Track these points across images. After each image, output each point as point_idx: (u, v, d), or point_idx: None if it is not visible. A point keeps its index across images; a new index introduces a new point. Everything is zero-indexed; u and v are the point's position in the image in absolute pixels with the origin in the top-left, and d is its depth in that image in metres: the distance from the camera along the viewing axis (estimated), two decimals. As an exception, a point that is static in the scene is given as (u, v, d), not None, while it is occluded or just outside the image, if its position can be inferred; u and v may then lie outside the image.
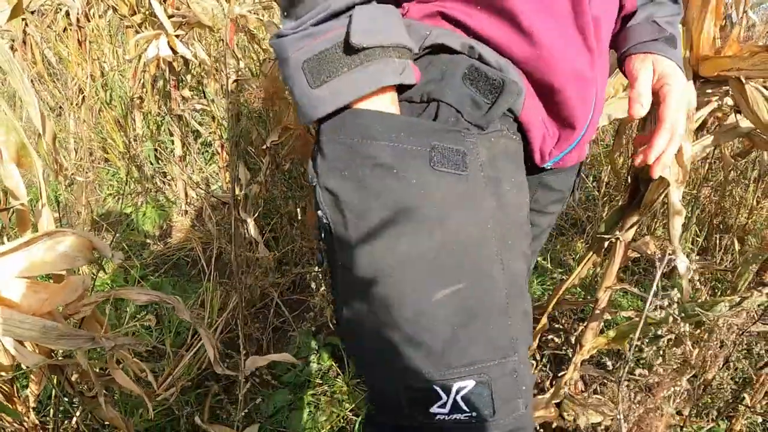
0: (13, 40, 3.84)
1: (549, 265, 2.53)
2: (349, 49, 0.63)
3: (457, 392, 0.65)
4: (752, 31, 3.01)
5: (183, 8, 2.60)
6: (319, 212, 0.68)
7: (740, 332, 1.34)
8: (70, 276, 0.95)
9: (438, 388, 0.65)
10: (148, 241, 2.74)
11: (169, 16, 2.51)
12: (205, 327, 1.10)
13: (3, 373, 1.05)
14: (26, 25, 3.88)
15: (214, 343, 1.11)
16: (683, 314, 1.52)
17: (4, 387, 1.09)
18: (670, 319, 1.21)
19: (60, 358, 1.05)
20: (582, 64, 0.77)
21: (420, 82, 0.71)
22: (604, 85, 0.86)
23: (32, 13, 4.03)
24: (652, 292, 1.22)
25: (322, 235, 0.70)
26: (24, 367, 1.11)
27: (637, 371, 1.48)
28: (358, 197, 0.65)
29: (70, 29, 3.55)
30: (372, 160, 0.65)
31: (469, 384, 0.65)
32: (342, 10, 0.64)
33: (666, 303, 0.99)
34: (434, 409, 0.66)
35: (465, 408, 0.65)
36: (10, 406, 1.09)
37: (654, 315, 1.48)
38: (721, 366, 1.46)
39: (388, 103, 0.67)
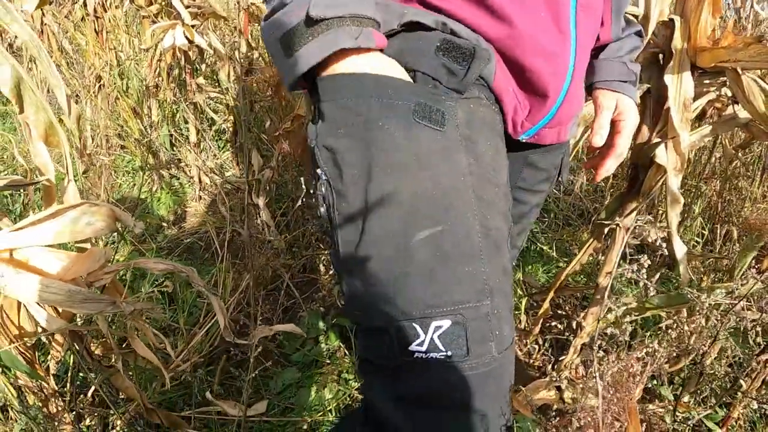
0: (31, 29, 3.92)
1: (555, 254, 2.58)
2: (310, 21, 0.71)
3: (435, 331, 0.70)
4: (762, 27, 3.02)
5: (199, -1, 2.66)
6: (318, 170, 0.75)
7: (727, 312, 1.39)
8: (93, 247, 1.01)
9: (417, 326, 0.70)
10: (163, 224, 2.81)
11: (186, 7, 2.57)
12: (218, 297, 1.16)
13: (26, 339, 1.12)
14: (43, 14, 3.96)
15: (224, 312, 1.17)
16: (681, 300, 1.57)
17: (27, 353, 1.16)
18: (642, 285, 1.27)
19: (80, 324, 1.12)
20: (553, 45, 0.84)
21: (397, 55, 0.78)
22: (584, 60, 0.93)
23: (50, 3, 4.11)
24: (617, 255, 1.26)
25: (323, 190, 0.77)
26: (45, 336, 1.17)
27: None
28: (352, 150, 0.72)
29: (87, 19, 3.62)
30: (363, 116, 0.72)
31: (445, 323, 0.70)
32: None
33: (636, 268, 1.04)
34: (413, 347, 0.71)
35: (441, 347, 0.70)
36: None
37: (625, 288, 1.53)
38: (708, 345, 1.51)
39: (376, 61, 0.74)
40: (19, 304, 1.02)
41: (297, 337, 2.04)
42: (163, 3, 2.86)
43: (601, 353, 0.99)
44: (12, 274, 0.92)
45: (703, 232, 2.54)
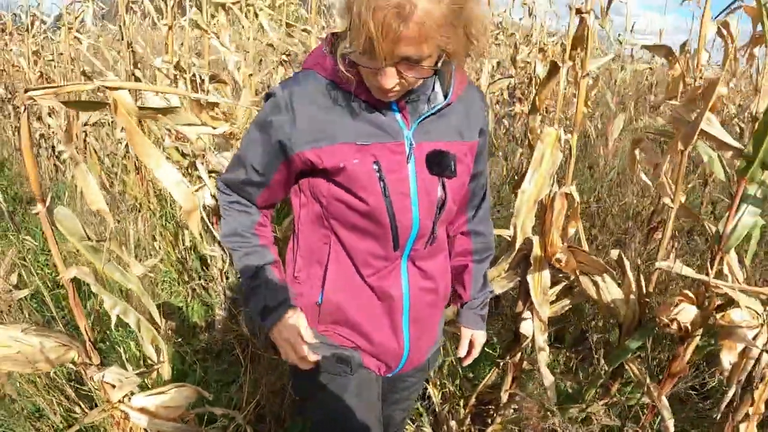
0: (77, 147, 4.79)
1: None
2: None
3: None
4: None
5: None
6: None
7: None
8: (183, 400, 1.86)
9: None
10: (196, 330, 3.65)
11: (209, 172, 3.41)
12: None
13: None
14: (86, 135, 4.84)
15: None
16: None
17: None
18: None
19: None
20: (393, 345, 1.57)
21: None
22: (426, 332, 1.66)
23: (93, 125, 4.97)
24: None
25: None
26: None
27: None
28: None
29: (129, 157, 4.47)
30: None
31: None
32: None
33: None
34: None
35: None
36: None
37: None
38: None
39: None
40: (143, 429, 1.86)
41: None
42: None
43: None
44: (142, 417, 1.76)
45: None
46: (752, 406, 2.05)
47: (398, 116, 1.38)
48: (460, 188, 1.50)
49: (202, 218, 3.92)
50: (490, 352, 3.12)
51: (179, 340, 3.39)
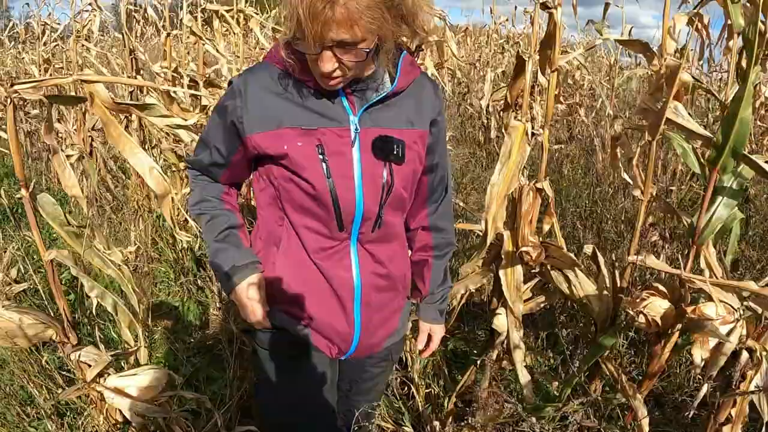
0: (82, 154, 4.92)
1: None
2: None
3: None
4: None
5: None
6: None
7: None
8: (158, 380, 1.93)
9: None
10: (191, 329, 3.72)
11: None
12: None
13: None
14: (92, 140, 4.98)
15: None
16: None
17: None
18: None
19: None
20: (343, 326, 1.60)
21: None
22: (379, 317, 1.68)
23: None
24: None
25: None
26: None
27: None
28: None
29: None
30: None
31: None
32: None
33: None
34: None
35: None
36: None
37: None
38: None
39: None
40: (118, 410, 1.93)
41: None
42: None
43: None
44: (117, 396, 1.83)
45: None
46: (734, 408, 2.05)
47: (345, 102, 1.45)
48: (410, 175, 1.55)
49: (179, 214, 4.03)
50: (474, 351, 3.16)
51: (173, 337, 3.47)
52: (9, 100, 1.59)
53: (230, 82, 1.50)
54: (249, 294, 1.53)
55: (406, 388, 2.81)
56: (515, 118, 2.18)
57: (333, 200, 1.45)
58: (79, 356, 1.78)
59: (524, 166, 2.22)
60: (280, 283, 1.57)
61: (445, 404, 2.75)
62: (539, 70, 2.19)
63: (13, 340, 1.68)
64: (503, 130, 2.23)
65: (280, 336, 1.63)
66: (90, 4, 4.50)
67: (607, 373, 2.41)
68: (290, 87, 1.43)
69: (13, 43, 6.52)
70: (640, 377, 2.41)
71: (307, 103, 1.43)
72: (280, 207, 1.53)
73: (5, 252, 2.92)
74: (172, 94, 2.44)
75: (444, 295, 1.85)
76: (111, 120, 1.64)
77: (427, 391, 2.84)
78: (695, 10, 2.06)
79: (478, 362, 2.65)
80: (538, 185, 2.24)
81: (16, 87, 1.57)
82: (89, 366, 1.79)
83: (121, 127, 1.64)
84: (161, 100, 2.92)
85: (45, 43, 5.29)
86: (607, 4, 4.01)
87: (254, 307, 1.53)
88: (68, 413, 2.13)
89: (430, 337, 1.87)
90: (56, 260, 1.74)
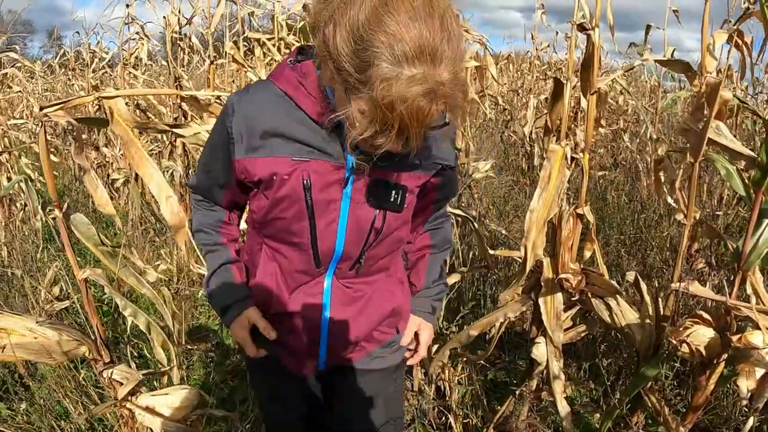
0: (128, 178, 5.01)
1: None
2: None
3: None
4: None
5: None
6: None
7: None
8: (189, 401, 1.92)
9: None
10: (229, 352, 3.73)
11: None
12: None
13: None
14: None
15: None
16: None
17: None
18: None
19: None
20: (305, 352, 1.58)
21: None
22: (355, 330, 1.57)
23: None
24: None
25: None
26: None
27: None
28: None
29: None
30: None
31: None
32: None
33: None
34: None
35: None
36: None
37: None
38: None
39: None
40: (149, 429, 1.92)
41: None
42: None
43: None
44: (148, 415, 1.83)
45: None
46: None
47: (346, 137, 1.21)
48: (403, 218, 1.48)
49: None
50: (514, 381, 3.09)
51: (210, 359, 3.48)
52: (40, 123, 1.63)
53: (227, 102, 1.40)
54: (239, 334, 1.55)
55: (444, 418, 2.76)
56: (555, 142, 2.14)
57: (312, 241, 1.40)
58: (111, 374, 1.79)
59: (567, 192, 2.18)
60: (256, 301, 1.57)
61: (482, 437, 2.69)
62: (581, 94, 2.15)
63: (48, 356, 1.70)
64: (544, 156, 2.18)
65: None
66: (137, 33, 4.63)
67: (650, 405, 2.32)
68: (288, 112, 1.33)
69: (63, 70, 6.76)
70: (684, 410, 2.30)
71: (302, 132, 1.33)
72: (260, 233, 1.50)
73: (48, 270, 2.98)
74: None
75: (439, 291, 1.77)
76: (132, 140, 1.65)
77: (465, 421, 2.78)
78: (735, 27, 2.00)
79: (517, 392, 2.59)
80: (579, 210, 2.19)
81: (45, 111, 1.61)
82: (121, 384, 1.79)
83: (142, 149, 1.65)
84: (197, 119, 2.98)
85: (94, 70, 5.46)
86: (648, 26, 3.95)
87: (245, 344, 1.55)
88: (100, 429, 2.14)
89: (417, 338, 1.74)
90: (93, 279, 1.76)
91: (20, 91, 5.60)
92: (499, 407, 2.84)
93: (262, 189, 1.39)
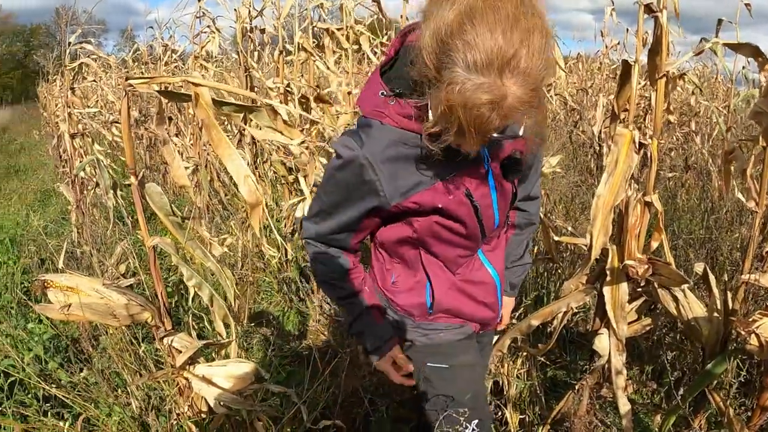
0: (197, 166, 5.14)
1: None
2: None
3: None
4: None
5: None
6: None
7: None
8: (246, 373, 1.94)
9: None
10: (289, 338, 3.78)
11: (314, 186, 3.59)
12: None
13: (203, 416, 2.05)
14: (207, 153, 5.20)
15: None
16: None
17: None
18: None
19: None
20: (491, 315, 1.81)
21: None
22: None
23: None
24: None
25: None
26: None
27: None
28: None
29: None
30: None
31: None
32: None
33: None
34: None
35: None
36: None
37: None
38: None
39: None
40: (203, 399, 1.96)
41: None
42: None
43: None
44: (204, 385, 1.86)
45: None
46: None
47: None
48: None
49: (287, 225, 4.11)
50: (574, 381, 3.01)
51: (270, 344, 3.53)
52: (124, 92, 1.68)
53: (350, 156, 1.44)
54: (384, 367, 1.71)
55: (500, 413, 2.72)
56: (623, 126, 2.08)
57: (480, 229, 1.57)
58: (171, 341, 1.83)
59: (634, 184, 2.12)
60: (440, 306, 1.71)
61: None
62: (649, 81, 2.08)
63: (112, 317, 1.75)
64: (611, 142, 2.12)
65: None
66: (209, 26, 4.75)
67: (714, 406, 2.22)
68: (415, 143, 1.39)
69: (136, 63, 7.00)
70: (751, 410, 2.20)
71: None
72: (418, 243, 1.61)
73: (117, 248, 3.07)
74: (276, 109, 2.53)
75: (521, 270, 1.93)
76: (213, 123, 1.68)
77: (521, 417, 2.72)
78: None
79: (576, 387, 2.52)
80: (647, 198, 2.12)
81: (131, 81, 1.67)
82: (180, 352, 1.83)
83: (222, 132, 1.68)
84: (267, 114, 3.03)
85: (166, 63, 5.63)
86: (720, 20, 3.78)
87: (389, 373, 1.71)
88: (156, 400, 2.18)
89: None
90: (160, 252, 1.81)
91: (94, 80, 5.83)
92: (556, 406, 2.78)
93: (427, 212, 1.52)
